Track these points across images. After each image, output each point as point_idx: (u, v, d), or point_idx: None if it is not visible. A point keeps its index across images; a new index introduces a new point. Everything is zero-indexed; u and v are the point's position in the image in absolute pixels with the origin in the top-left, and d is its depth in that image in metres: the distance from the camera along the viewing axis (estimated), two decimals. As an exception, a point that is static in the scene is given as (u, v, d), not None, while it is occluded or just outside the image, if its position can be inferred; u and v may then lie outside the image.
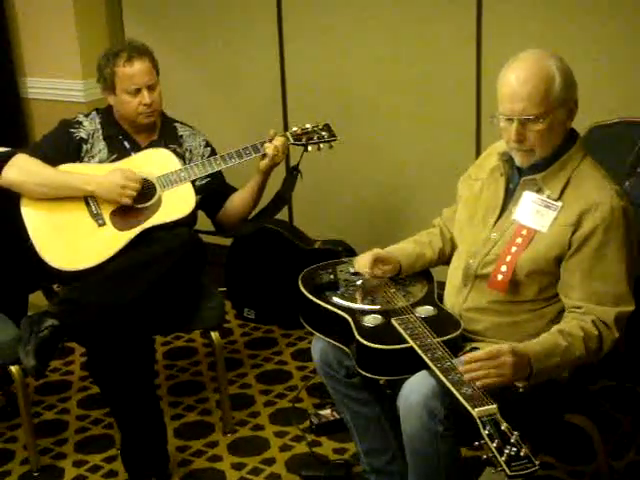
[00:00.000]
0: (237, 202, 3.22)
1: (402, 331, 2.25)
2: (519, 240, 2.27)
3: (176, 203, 3.00)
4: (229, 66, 4.28)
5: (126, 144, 3.12)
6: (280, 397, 3.41)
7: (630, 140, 2.77)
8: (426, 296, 2.49)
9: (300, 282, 2.57)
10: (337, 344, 2.44)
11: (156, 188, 3.01)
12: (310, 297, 2.50)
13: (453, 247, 2.57)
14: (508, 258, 2.26)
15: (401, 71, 3.80)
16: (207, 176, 3.10)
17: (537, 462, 1.78)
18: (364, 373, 2.29)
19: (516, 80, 2.19)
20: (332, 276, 2.60)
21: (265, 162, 3.09)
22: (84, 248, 2.93)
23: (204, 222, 3.27)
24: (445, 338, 2.22)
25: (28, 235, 2.93)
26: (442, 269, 2.61)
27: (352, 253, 3.72)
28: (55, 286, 3.13)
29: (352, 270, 2.61)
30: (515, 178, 2.37)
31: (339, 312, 2.40)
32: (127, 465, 2.92)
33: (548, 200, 2.26)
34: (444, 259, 2.62)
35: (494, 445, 1.81)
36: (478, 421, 1.88)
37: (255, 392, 3.46)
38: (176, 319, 3.03)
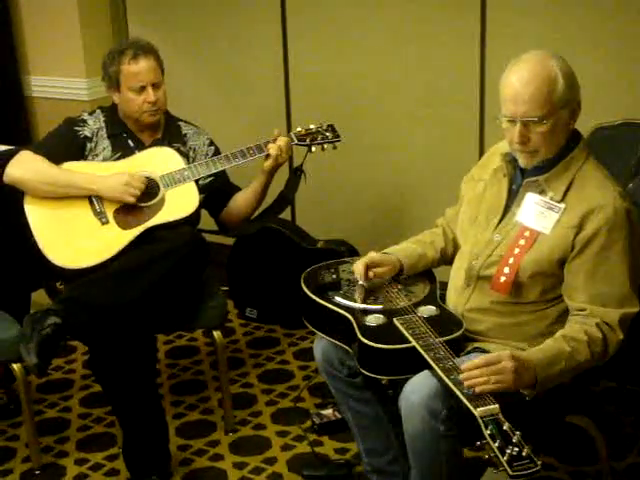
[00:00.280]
0: (240, 202, 3.22)
1: (404, 331, 2.25)
2: (522, 242, 2.27)
3: (179, 202, 3.00)
4: (233, 66, 4.29)
5: (130, 142, 3.12)
6: (282, 397, 3.41)
7: (633, 141, 2.77)
8: (428, 296, 2.49)
9: (302, 282, 2.57)
10: (339, 344, 2.44)
11: (159, 187, 3.01)
12: (312, 297, 2.50)
13: (456, 247, 2.57)
14: (511, 260, 2.26)
15: (405, 72, 3.81)
16: (210, 175, 3.10)
17: (539, 462, 1.78)
18: (366, 373, 2.29)
19: (519, 82, 2.19)
20: (334, 276, 2.60)
21: (269, 162, 3.09)
22: (87, 246, 2.93)
23: (207, 221, 3.27)
24: (447, 338, 2.22)
25: (31, 233, 2.94)
26: (444, 269, 2.61)
27: (355, 253, 3.73)
28: (58, 284, 3.14)
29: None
30: (518, 179, 2.36)
31: (341, 312, 2.40)
32: (129, 463, 2.92)
33: (551, 202, 2.26)
34: (446, 259, 2.62)
35: (496, 445, 1.81)
36: (480, 421, 1.88)
37: (257, 391, 3.46)
38: (178, 318, 3.03)
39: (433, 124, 3.78)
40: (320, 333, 2.52)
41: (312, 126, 3.23)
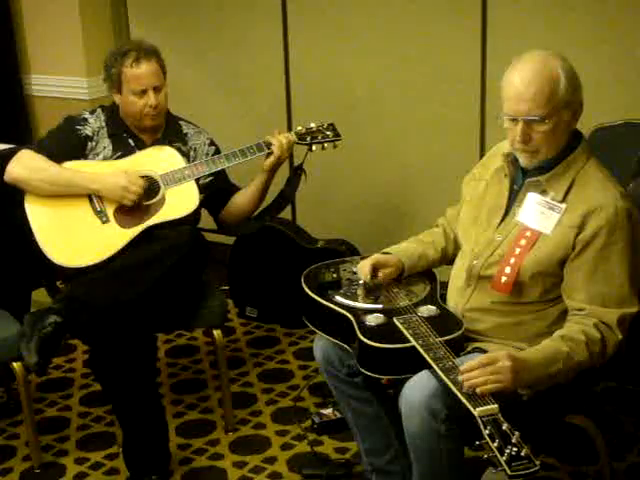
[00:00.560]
0: (241, 201, 3.22)
1: (404, 330, 2.25)
2: (523, 242, 2.27)
3: (180, 201, 3.00)
4: (234, 66, 4.29)
5: (131, 142, 3.12)
6: (282, 396, 3.41)
7: (635, 142, 2.77)
8: (429, 296, 2.49)
9: (303, 281, 2.57)
10: (339, 343, 2.44)
11: (160, 186, 3.01)
12: (313, 296, 2.50)
13: (456, 247, 2.57)
14: (512, 260, 2.26)
15: (406, 71, 3.81)
16: (211, 174, 3.10)
17: (538, 462, 1.78)
18: (366, 372, 2.28)
19: (521, 81, 2.19)
20: (335, 275, 2.60)
21: (270, 159, 3.09)
22: (87, 245, 2.93)
23: (207, 220, 3.27)
24: (447, 338, 2.22)
25: (32, 232, 2.94)
26: (445, 269, 2.61)
27: (355, 252, 3.73)
28: (58, 283, 3.14)
29: (355, 269, 2.61)
30: (519, 179, 2.36)
31: (341, 311, 2.40)
32: (128, 463, 2.92)
33: (552, 202, 2.26)
34: (447, 259, 2.62)
35: (495, 445, 1.81)
36: (479, 421, 1.88)
37: (257, 391, 3.46)
38: (178, 317, 3.03)
39: (434, 124, 3.78)
40: (320, 332, 2.52)
41: (313, 125, 3.23)
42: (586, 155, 2.29)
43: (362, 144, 3.92)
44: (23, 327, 2.73)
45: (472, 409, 1.92)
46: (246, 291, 4.08)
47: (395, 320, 2.31)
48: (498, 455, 1.79)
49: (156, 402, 2.95)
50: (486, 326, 2.34)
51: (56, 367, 3.69)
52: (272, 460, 3.01)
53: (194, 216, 3.06)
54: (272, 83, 4.18)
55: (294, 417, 3.24)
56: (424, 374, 2.16)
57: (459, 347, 2.27)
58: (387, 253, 2.59)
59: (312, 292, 2.51)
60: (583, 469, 2.83)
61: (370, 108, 3.93)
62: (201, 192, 3.07)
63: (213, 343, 3.16)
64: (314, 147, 3.22)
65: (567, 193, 2.25)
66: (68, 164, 3.01)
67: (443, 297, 2.49)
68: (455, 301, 2.43)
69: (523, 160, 2.30)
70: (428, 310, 2.38)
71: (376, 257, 2.55)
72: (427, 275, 2.61)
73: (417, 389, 2.14)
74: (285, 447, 3.08)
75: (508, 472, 1.77)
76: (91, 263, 2.89)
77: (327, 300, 2.47)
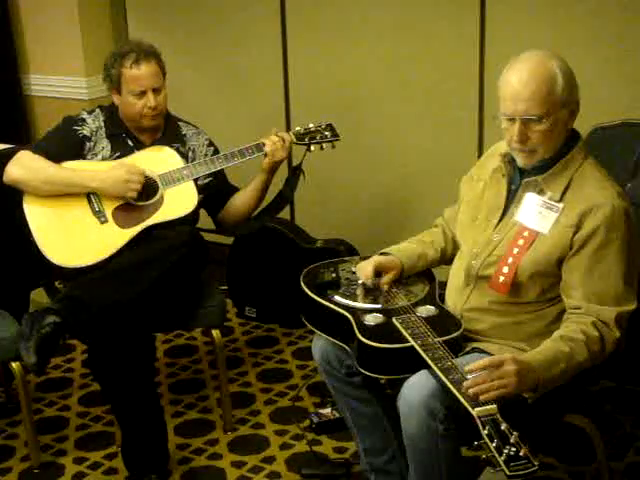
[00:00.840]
0: (239, 201, 3.22)
1: (403, 330, 2.25)
2: (521, 242, 2.27)
3: (178, 201, 3.01)
4: (232, 66, 4.28)
5: (129, 142, 3.12)
6: (280, 396, 3.42)
7: (632, 142, 2.77)
8: (427, 296, 2.49)
9: (302, 281, 2.58)
10: (338, 343, 2.44)
11: (158, 186, 3.02)
12: (311, 295, 2.50)
13: (455, 247, 2.57)
14: (510, 260, 2.26)
15: (404, 71, 3.81)
16: (209, 175, 3.11)
17: (536, 462, 1.78)
18: (365, 372, 2.29)
19: (519, 81, 2.20)
20: (334, 275, 2.60)
21: (266, 160, 3.10)
22: (86, 245, 2.94)
23: (206, 220, 3.27)
24: (446, 338, 2.22)
25: (30, 232, 2.94)
26: (444, 269, 2.61)
27: (353, 252, 3.73)
28: (57, 283, 3.14)
29: (354, 269, 2.61)
30: (517, 179, 2.37)
31: (340, 311, 2.40)
32: (127, 462, 2.92)
33: (550, 201, 2.26)
34: (446, 259, 2.62)
35: (493, 445, 1.81)
36: (478, 421, 1.88)
37: (255, 390, 3.47)
38: (177, 317, 3.03)
39: (432, 123, 3.78)
40: (319, 332, 2.52)
41: (311, 125, 3.24)
42: (583, 154, 2.30)
43: (360, 144, 3.92)
44: (22, 327, 2.73)
45: (470, 409, 1.92)
46: (245, 291, 4.08)
47: (394, 320, 2.31)
48: (497, 455, 1.79)
49: (155, 402, 2.95)
50: (485, 326, 2.35)
51: (55, 367, 3.69)
52: (271, 460, 3.02)
53: (193, 216, 3.06)
54: (271, 83, 4.18)
55: (293, 417, 3.24)
56: (423, 374, 2.16)
57: (458, 347, 2.27)
58: (386, 253, 2.59)
59: (311, 292, 2.51)
60: (581, 469, 2.83)
61: (368, 109, 3.93)
62: (200, 193, 3.07)
63: (212, 343, 3.16)
64: (312, 147, 3.23)
65: (564, 193, 2.26)
66: (66, 164, 3.01)
67: (442, 297, 2.50)
68: (454, 301, 2.43)
69: (521, 160, 2.30)
70: (427, 310, 2.38)
71: (378, 260, 2.55)
72: (426, 275, 2.62)
73: (416, 389, 2.14)
74: (284, 447, 3.08)
75: (507, 472, 1.77)
76: (90, 263, 2.89)
77: (326, 300, 2.47)
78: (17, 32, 4.54)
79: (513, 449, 1.80)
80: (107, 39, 4.38)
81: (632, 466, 2.85)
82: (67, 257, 2.91)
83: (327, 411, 3.20)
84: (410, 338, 2.21)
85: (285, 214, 4.03)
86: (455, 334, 2.27)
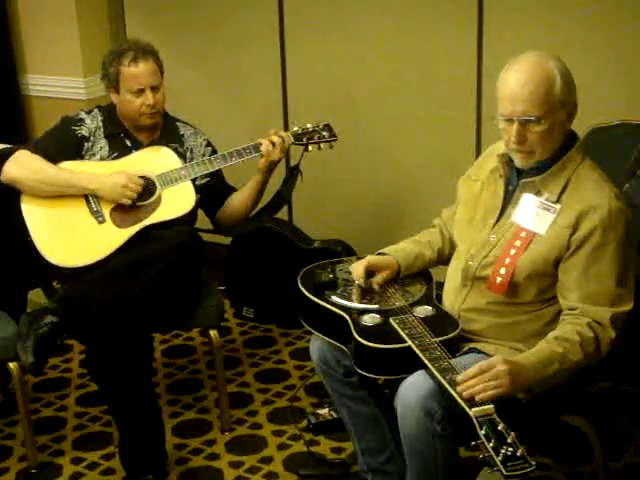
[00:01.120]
0: (237, 202, 3.22)
1: (400, 331, 2.25)
2: (518, 243, 2.27)
3: (176, 201, 3.01)
4: (230, 66, 4.28)
5: (127, 142, 3.12)
6: (278, 396, 3.42)
7: (630, 142, 2.77)
8: (425, 296, 2.49)
9: (299, 281, 2.58)
10: (335, 343, 2.44)
11: (156, 186, 3.02)
12: (309, 296, 2.50)
13: (452, 247, 2.58)
14: (507, 260, 2.27)
15: (402, 71, 3.80)
16: (207, 175, 3.11)
17: (533, 462, 1.79)
18: (362, 372, 2.29)
19: (517, 82, 2.20)
20: (331, 275, 2.60)
21: (262, 160, 3.09)
22: (84, 245, 2.93)
23: (204, 220, 3.27)
24: (443, 338, 2.22)
25: (28, 232, 2.94)
26: (441, 269, 2.62)
27: (351, 253, 3.73)
28: (54, 283, 3.14)
29: (351, 269, 2.61)
30: (514, 180, 2.37)
31: (338, 311, 2.41)
32: (125, 463, 2.92)
33: (547, 202, 2.26)
34: (443, 259, 2.62)
35: (490, 445, 1.82)
36: (475, 421, 1.89)
37: (253, 391, 3.46)
38: (175, 317, 3.03)
39: (430, 124, 3.78)
40: (317, 332, 2.52)
41: (309, 125, 3.23)
42: (581, 155, 2.30)
43: (358, 144, 3.92)
44: (19, 327, 2.73)
45: (468, 409, 1.92)
46: (243, 291, 4.08)
47: (391, 320, 2.31)
48: (494, 455, 1.80)
49: (152, 402, 2.95)
50: (482, 326, 2.35)
51: (52, 367, 3.68)
52: (268, 460, 3.02)
53: (191, 216, 3.06)
54: (269, 83, 4.18)
55: (290, 417, 3.23)
56: (420, 374, 2.16)
57: (455, 347, 2.28)
58: (383, 253, 2.59)
59: (308, 292, 2.51)
60: (579, 469, 2.83)
61: (366, 109, 3.93)
62: (198, 193, 3.07)
63: (210, 343, 3.16)
64: (310, 147, 3.22)
65: (562, 193, 2.26)
66: (64, 164, 3.01)
67: (439, 297, 2.50)
68: (451, 301, 2.43)
69: (518, 161, 2.30)
70: (424, 310, 2.38)
71: (369, 259, 2.55)
72: (423, 275, 2.62)
73: (413, 389, 2.15)
74: (281, 447, 3.08)
75: (504, 472, 1.77)
76: (87, 263, 2.89)
77: (323, 300, 2.47)
78: (15, 32, 4.53)
79: (510, 449, 1.80)
80: (105, 40, 4.37)
81: (629, 467, 2.85)
82: (65, 257, 2.91)
83: (325, 411, 3.20)
84: (407, 338, 2.21)
85: (283, 214, 4.03)
86: (452, 334, 2.27)
